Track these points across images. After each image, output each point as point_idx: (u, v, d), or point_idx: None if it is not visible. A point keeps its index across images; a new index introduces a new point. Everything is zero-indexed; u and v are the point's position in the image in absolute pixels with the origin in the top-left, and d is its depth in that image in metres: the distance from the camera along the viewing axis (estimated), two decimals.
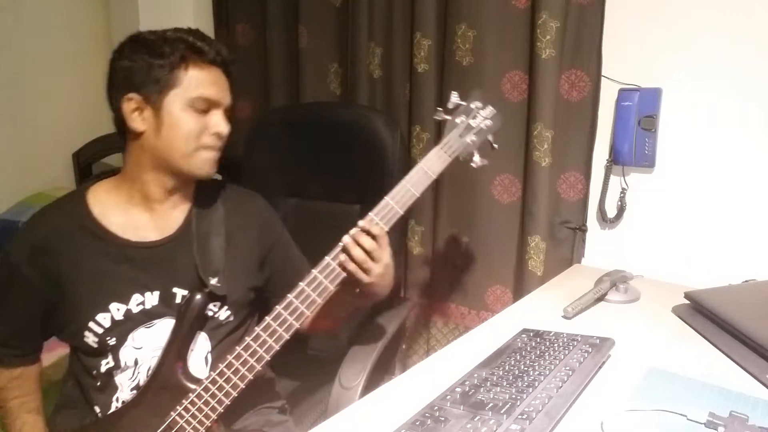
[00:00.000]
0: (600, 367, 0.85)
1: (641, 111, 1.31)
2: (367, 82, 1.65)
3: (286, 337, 0.89)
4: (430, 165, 0.97)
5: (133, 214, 0.95)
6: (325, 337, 1.35)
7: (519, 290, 1.48)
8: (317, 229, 1.35)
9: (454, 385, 0.77)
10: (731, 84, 1.24)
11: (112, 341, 0.92)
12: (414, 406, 0.71)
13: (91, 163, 2.33)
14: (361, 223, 0.91)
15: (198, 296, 0.92)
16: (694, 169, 1.31)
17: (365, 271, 0.90)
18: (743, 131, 1.24)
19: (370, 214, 0.92)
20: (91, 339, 0.92)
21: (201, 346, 0.96)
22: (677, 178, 1.33)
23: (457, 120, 1.00)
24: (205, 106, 0.91)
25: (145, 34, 0.92)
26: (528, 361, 0.82)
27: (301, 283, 0.89)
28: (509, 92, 1.46)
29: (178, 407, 0.88)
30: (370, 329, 1.25)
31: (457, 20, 1.47)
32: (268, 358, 0.88)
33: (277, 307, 0.89)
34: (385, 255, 0.91)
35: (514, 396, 0.71)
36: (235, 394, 0.88)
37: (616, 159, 1.37)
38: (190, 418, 0.88)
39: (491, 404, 0.69)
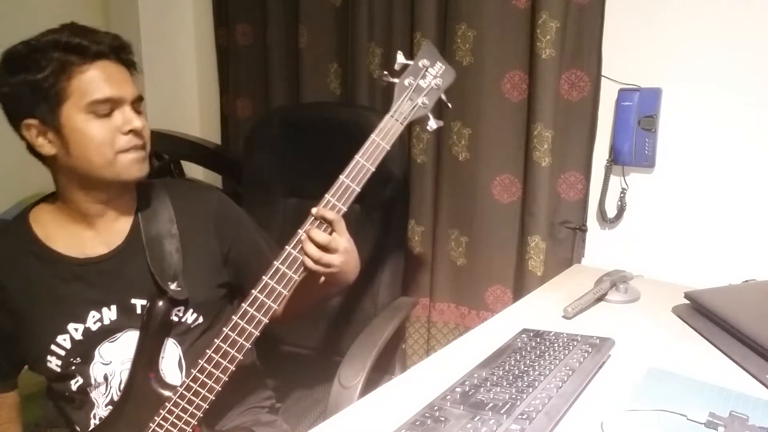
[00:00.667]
0: (600, 367, 0.85)
1: (641, 111, 1.31)
2: (367, 82, 1.65)
3: (256, 333, 0.86)
4: (383, 135, 0.91)
5: (77, 232, 0.91)
6: (300, 329, 1.32)
7: (519, 290, 1.48)
8: None
9: (454, 385, 0.77)
10: (731, 84, 1.24)
11: (76, 361, 0.90)
12: (414, 406, 0.71)
13: None
14: (314, 210, 0.87)
15: (159, 303, 0.89)
16: (694, 169, 1.31)
17: (324, 265, 0.87)
18: (743, 131, 1.24)
19: (326, 195, 0.88)
20: (54, 363, 0.90)
21: (171, 352, 0.94)
22: (677, 178, 1.33)
23: (405, 82, 0.93)
24: (107, 109, 0.83)
25: (17, 48, 0.82)
26: (528, 361, 0.82)
27: (264, 277, 0.86)
28: (509, 92, 1.46)
29: (156, 417, 0.87)
30: (370, 329, 1.25)
31: (457, 20, 1.47)
32: (240, 357, 0.86)
33: (243, 304, 0.86)
34: (343, 241, 0.88)
35: (514, 396, 0.71)
36: (212, 397, 0.86)
37: (616, 159, 1.37)
38: (169, 427, 0.86)
39: (491, 404, 0.69)
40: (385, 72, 0.95)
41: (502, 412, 0.67)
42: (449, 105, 0.99)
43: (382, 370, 1.41)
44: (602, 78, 1.36)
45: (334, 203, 0.88)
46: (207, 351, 0.86)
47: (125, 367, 0.91)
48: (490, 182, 1.50)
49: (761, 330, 0.89)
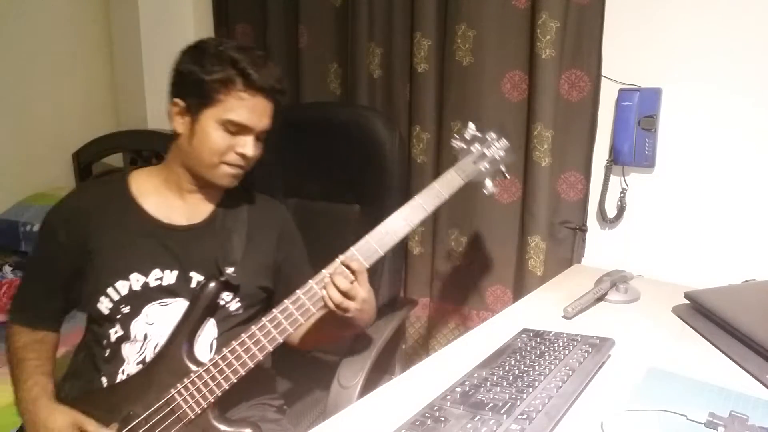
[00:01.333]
0: (600, 367, 0.85)
1: (641, 111, 1.31)
2: (367, 82, 1.65)
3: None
4: (445, 185, 1.01)
5: (167, 198, 1.03)
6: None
7: (519, 290, 1.48)
8: (317, 229, 1.36)
9: (454, 385, 0.77)
10: (731, 84, 1.24)
11: (125, 309, 0.96)
12: (414, 406, 0.71)
13: (91, 163, 2.33)
14: (341, 257, 0.94)
15: (212, 283, 0.97)
16: (694, 169, 1.31)
17: (342, 310, 0.93)
18: (743, 131, 1.24)
19: (366, 237, 0.95)
20: (104, 305, 0.96)
21: (208, 332, 0.99)
22: (677, 178, 1.33)
23: (473, 148, 1.06)
24: (236, 130, 0.96)
25: (207, 43, 0.97)
26: (528, 361, 0.82)
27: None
28: (509, 92, 1.46)
29: (178, 385, 0.91)
30: (370, 329, 1.25)
31: (457, 20, 1.47)
32: (270, 348, 0.92)
33: (274, 311, 0.93)
34: (362, 292, 0.94)
35: (514, 396, 0.71)
36: (234, 379, 0.91)
37: (616, 159, 1.37)
38: (188, 397, 0.91)
39: (491, 404, 0.69)
40: (456, 136, 1.07)
41: (502, 412, 0.67)
42: (507, 176, 1.11)
43: (382, 370, 1.41)
44: (602, 78, 1.36)
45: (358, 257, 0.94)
46: (242, 335, 0.91)
47: (165, 332, 0.96)
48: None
49: (761, 330, 0.89)
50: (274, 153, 1.51)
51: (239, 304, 1.02)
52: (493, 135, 1.07)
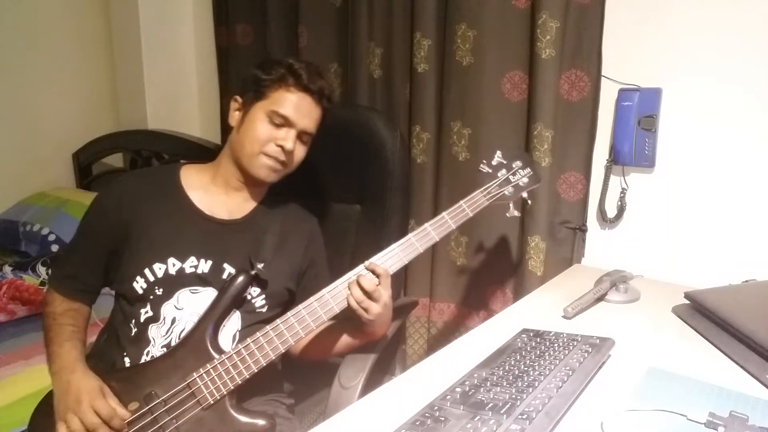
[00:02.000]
0: (600, 367, 0.85)
1: (641, 111, 1.31)
2: (367, 82, 1.65)
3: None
4: (470, 204, 1.09)
5: (212, 193, 1.10)
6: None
7: (519, 290, 1.48)
8: None
9: (454, 385, 0.77)
10: (731, 84, 1.24)
11: (159, 291, 1.01)
12: (414, 406, 0.71)
13: (91, 163, 2.34)
14: (366, 262, 0.99)
15: (242, 276, 1.02)
16: (694, 169, 1.31)
17: (364, 309, 0.96)
18: (743, 131, 1.24)
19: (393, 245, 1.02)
20: (140, 285, 1.01)
21: (233, 323, 1.04)
22: (677, 178, 1.33)
23: (499, 174, 1.14)
24: (281, 122, 1.04)
25: (271, 57, 1.12)
26: (528, 361, 0.82)
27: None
28: (509, 92, 1.46)
29: (201, 370, 0.94)
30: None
31: (457, 20, 1.47)
32: (293, 342, 0.96)
33: (299, 307, 0.98)
34: (385, 295, 0.97)
35: (514, 396, 0.71)
36: (255, 369, 0.94)
37: (616, 159, 1.37)
38: (209, 383, 0.94)
39: (491, 404, 0.69)
40: (484, 161, 1.14)
41: (502, 412, 0.67)
42: (529, 202, 1.21)
43: (382, 370, 1.41)
44: (602, 78, 1.36)
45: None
46: (257, 333, 0.96)
47: (193, 318, 1.00)
48: None
49: (761, 330, 0.89)
50: None
51: (264, 302, 1.07)
52: (519, 163, 1.15)
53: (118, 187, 1.08)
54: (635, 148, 1.33)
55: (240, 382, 0.94)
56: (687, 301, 1.09)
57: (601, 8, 1.33)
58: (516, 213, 1.15)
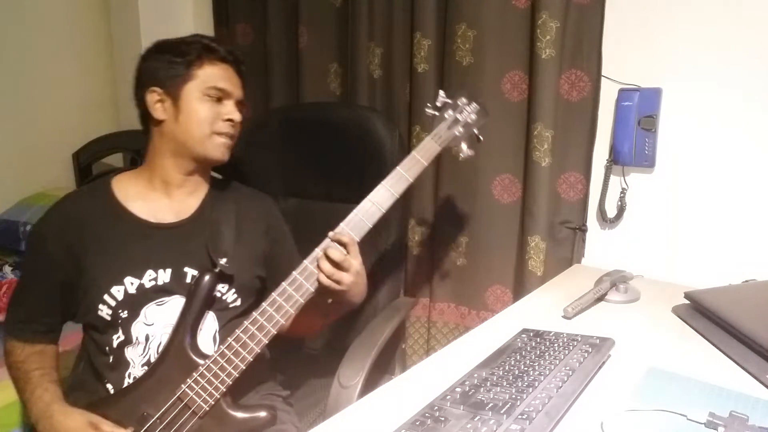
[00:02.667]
0: (600, 367, 0.85)
1: (641, 111, 1.31)
2: (367, 82, 1.65)
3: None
4: (423, 153, 1.03)
5: (153, 199, 1.05)
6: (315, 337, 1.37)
7: (519, 290, 1.48)
8: (316, 229, 1.35)
9: (454, 385, 0.77)
10: (731, 83, 1.24)
11: (124, 314, 0.97)
12: (414, 406, 0.71)
13: (91, 163, 2.33)
14: (331, 233, 0.96)
15: (207, 276, 0.98)
16: (694, 169, 1.31)
17: (336, 281, 0.94)
18: (743, 131, 1.24)
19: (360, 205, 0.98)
20: (105, 312, 0.97)
21: (209, 325, 1.01)
22: (677, 178, 1.33)
23: (446, 115, 1.08)
24: (219, 96, 1.02)
25: (168, 39, 1.05)
26: (528, 361, 0.82)
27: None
28: (509, 92, 1.46)
29: (188, 380, 0.92)
30: (370, 329, 1.25)
31: (457, 20, 1.47)
32: (274, 332, 0.93)
33: (273, 294, 0.94)
34: (356, 263, 0.95)
35: (514, 396, 0.71)
36: (243, 366, 0.92)
37: (616, 159, 1.37)
38: (200, 390, 0.92)
39: (491, 404, 0.69)
40: (429, 104, 1.10)
41: (502, 412, 0.67)
42: (480, 138, 1.12)
43: (382, 370, 1.41)
44: (602, 78, 1.36)
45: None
46: (245, 322, 0.93)
47: (166, 331, 0.97)
48: (490, 182, 1.50)
49: (761, 330, 0.89)
50: (274, 153, 1.51)
51: (236, 295, 1.04)
52: (464, 100, 1.09)
53: (51, 218, 1.03)
54: (635, 148, 1.33)
55: (231, 383, 0.92)
56: (687, 301, 1.09)
57: (601, 8, 1.33)
58: (470, 152, 1.09)
